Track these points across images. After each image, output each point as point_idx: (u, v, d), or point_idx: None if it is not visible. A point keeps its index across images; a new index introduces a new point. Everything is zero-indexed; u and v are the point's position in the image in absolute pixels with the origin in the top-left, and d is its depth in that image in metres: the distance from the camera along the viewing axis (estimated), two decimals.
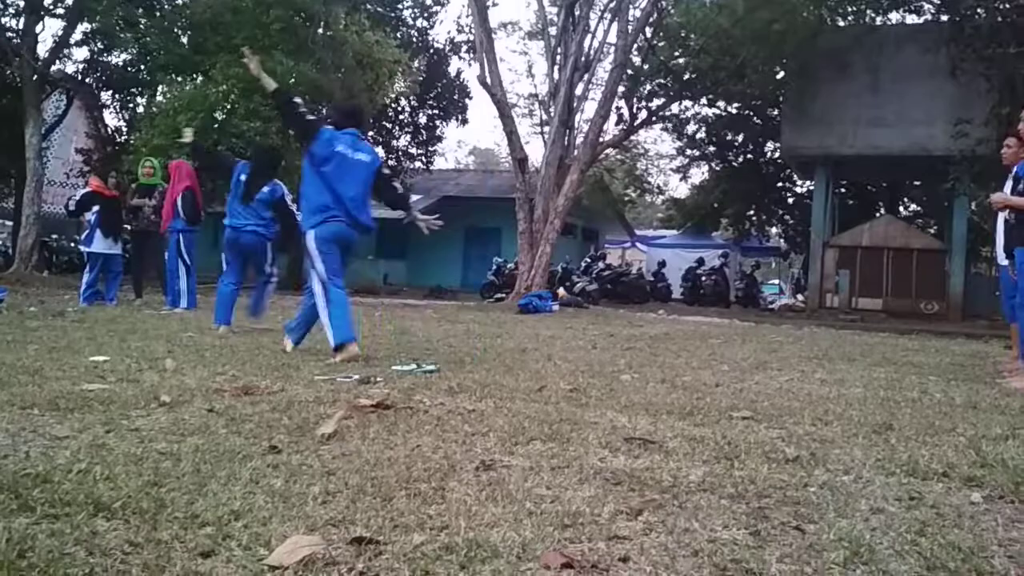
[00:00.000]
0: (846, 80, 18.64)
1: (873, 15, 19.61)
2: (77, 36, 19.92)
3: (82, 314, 8.32)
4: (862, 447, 2.99)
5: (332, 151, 5.55)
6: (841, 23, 19.53)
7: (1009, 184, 6.01)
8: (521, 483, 2.33)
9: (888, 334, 11.38)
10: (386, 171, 6.02)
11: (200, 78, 17.14)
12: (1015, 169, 6.20)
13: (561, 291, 17.69)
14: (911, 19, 20.22)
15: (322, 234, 5.48)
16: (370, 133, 24.15)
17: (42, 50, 19.33)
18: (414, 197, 26.67)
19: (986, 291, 19.09)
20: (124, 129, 21.56)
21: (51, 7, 19.40)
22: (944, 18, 17.87)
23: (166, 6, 20.11)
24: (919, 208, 28.91)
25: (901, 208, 27.79)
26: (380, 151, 25.25)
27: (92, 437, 2.71)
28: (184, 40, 19.08)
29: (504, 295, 18.20)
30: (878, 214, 24.19)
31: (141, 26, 19.30)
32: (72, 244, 21.77)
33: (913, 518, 2.13)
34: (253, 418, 3.12)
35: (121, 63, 20.83)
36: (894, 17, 20.19)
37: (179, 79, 17.82)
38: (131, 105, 21.65)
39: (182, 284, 9.71)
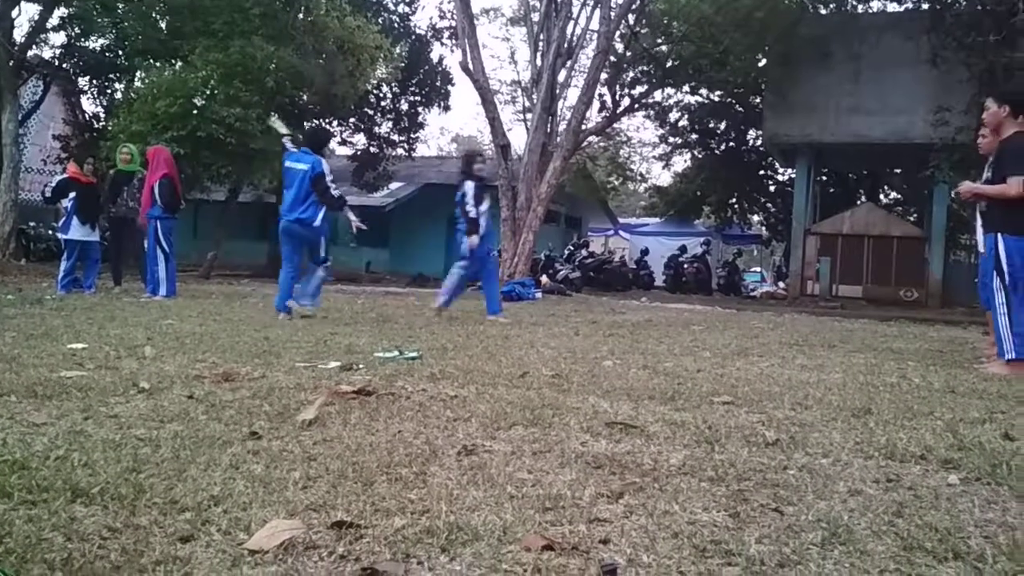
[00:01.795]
0: (827, 68, 18.70)
1: (854, 3, 19.70)
2: (54, 21, 19.64)
3: (60, 302, 8.24)
4: (841, 431, 3.01)
5: (284, 167, 7.70)
6: (823, 11, 19.62)
7: (986, 174, 6.07)
8: (503, 467, 2.33)
9: (868, 321, 11.48)
10: (327, 178, 7.48)
11: (179, 63, 16.96)
12: (991, 158, 6.25)
13: (544, 279, 17.72)
14: (892, 7, 20.36)
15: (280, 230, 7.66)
16: (351, 120, 24.03)
17: (18, 35, 19.07)
18: (396, 184, 26.69)
19: (965, 278, 19.30)
20: (102, 115, 21.29)
21: None
22: (925, 6, 17.97)
23: None
24: (899, 196, 29.12)
25: (882, 196, 28.02)
26: (361, 138, 25.14)
27: (70, 424, 2.69)
28: (162, 25, 18.82)
29: None
30: (859, 202, 24.36)
31: (119, 10, 19.04)
32: (50, 232, 21.53)
33: (891, 500, 2.15)
34: (233, 404, 3.10)
35: (98, 48, 20.55)
36: (875, 5, 20.33)
37: (157, 64, 17.62)
38: (109, 91, 21.38)
39: (161, 271, 9.63)
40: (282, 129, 8.77)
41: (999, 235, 5.31)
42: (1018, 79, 12.82)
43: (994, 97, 5.54)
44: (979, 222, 6.21)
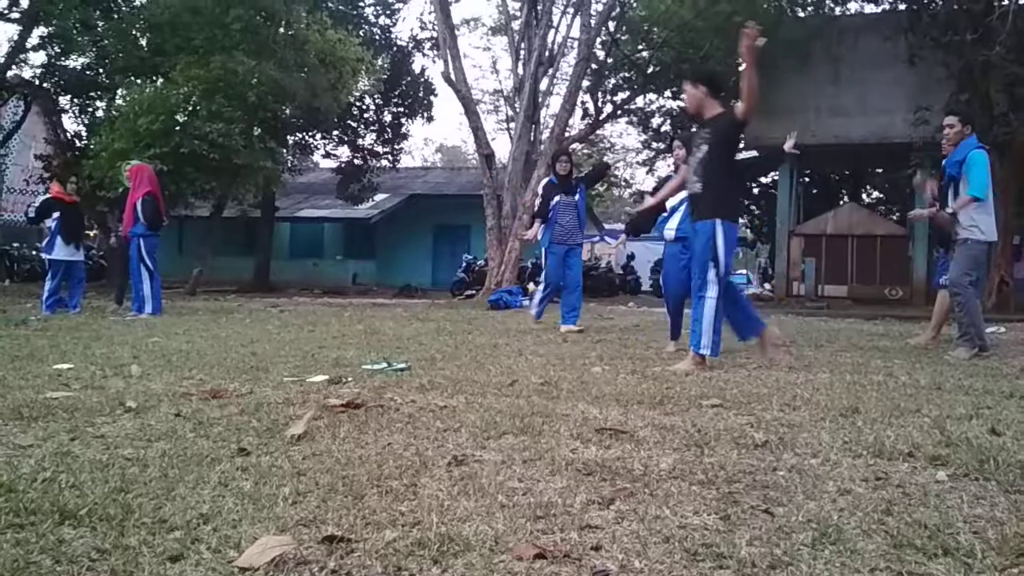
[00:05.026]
0: (807, 70, 18.83)
1: (832, 5, 19.84)
2: (33, 40, 19.55)
3: (45, 322, 8.19)
4: (829, 430, 3.03)
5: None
6: (801, 14, 19.74)
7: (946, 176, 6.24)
8: (493, 477, 2.33)
9: (854, 320, 11.54)
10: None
11: (160, 80, 16.91)
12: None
13: (531, 286, 17.70)
14: (869, 8, 20.49)
15: None
16: (335, 132, 24.04)
17: None
18: (380, 196, 26.68)
19: None
20: (84, 134, 21.20)
21: (6, 11, 19.04)
22: (902, 7, 18.12)
23: (124, 8, 19.77)
24: (881, 195, 29.32)
25: (864, 195, 28.18)
26: (345, 150, 25.20)
27: (57, 445, 2.67)
28: (143, 42, 18.79)
29: (474, 292, 18.21)
30: (842, 202, 24.50)
31: (99, 29, 18.99)
32: (34, 252, 21.41)
33: (880, 498, 2.16)
34: (221, 421, 3.09)
35: (79, 67, 20.44)
36: (853, 7, 20.46)
37: (139, 82, 17.57)
38: (90, 109, 21.28)
39: (146, 289, 9.57)
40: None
41: (718, 222, 5.03)
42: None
43: (688, 80, 5.47)
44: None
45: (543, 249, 8.29)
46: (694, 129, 5.64)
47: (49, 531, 1.82)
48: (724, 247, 5.00)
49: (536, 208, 8.29)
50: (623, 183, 33.55)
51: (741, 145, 5.77)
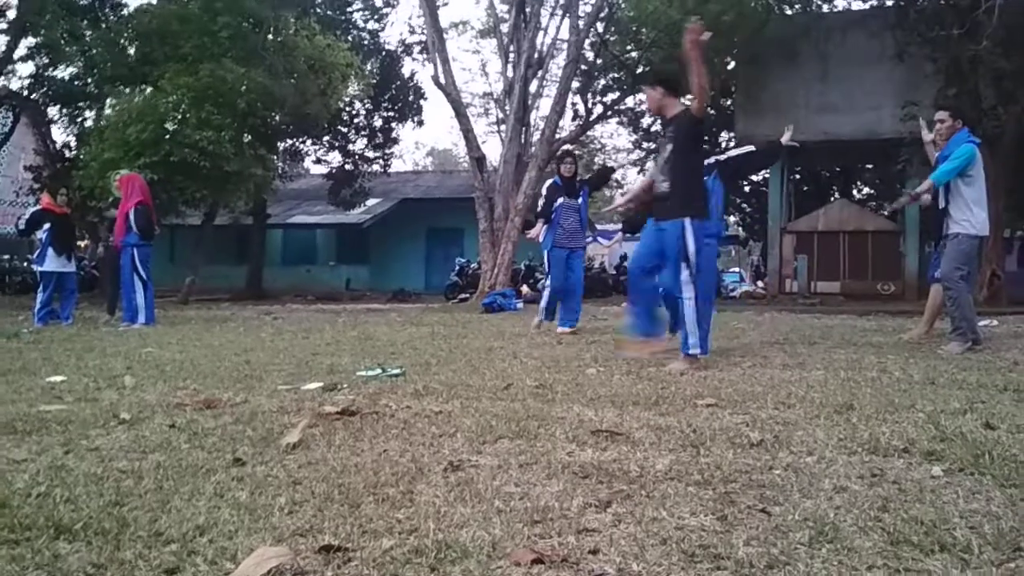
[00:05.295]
0: (796, 68, 18.88)
1: (820, 3, 19.90)
2: (21, 51, 19.52)
3: (37, 334, 8.15)
4: (824, 428, 3.03)
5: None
6: (789, 12, 19.79)
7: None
8: (490, 482, 2.33)
9: (847, 316, 11.57)
10: None
11: (149, 89, 16.88)
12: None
13: (525, 288, 17.72)
14: (857, 5, 20.58)
15: None
16: (325, 138, 24.01)
17: None
18: (372, 200, 26.67)
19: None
20: (73, 144, 21.16)
21: None
22: (889, 3, 18.18)
23: (111, 17, 19.73)
24: (872, 191, 29.39)
25: (855, 192, 28.25)
26: (336, 156, 25.13)
27: (51, 459, 2.66)
28: (131, 51, 18.75)
29: (468, 295, 18.21)
30: (833, 198, 24.56)
31: (86, 38, 18.95)
32: (25, 264, 21.33)
33: (876, 495, 2.16)
34: (216, 431, 3.08)
35: (67, 77, 20.43)
36: (840, 4, 20.53)
37: (127, 91, 17.54)
38: (79, 119, 21.25)
39: (139, 299, 9.53)
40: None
41: (686, 220, 5.02)
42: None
43: (645, 82, 5.50)
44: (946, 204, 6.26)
45: (545, 252, 8.29)
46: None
47: (44, 546, 1.81)
48: (694, 246, 5.01)
49: (539, 208, 8.27)
50: (614, 184, 33.56)
51: (733, 143, 5.84)
